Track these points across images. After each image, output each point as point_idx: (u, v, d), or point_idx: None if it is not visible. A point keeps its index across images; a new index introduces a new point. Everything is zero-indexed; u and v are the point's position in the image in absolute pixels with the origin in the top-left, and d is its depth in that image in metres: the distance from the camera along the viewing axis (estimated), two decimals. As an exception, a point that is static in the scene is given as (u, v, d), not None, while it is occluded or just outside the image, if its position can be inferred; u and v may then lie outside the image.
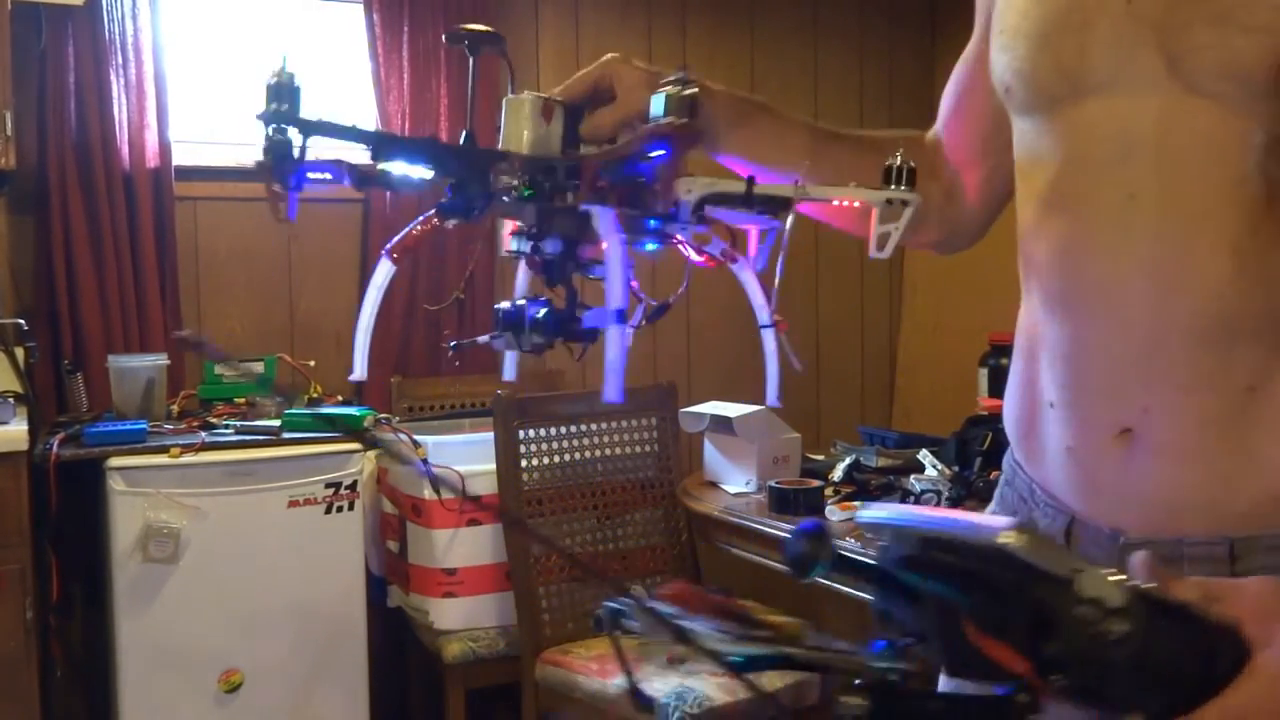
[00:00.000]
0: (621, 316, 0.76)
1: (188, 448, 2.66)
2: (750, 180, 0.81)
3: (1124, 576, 0.60)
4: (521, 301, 0.81)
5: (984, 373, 2.77)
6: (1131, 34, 0.77)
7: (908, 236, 0.83)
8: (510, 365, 0.88)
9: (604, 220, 0.77)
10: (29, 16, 2.94)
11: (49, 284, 3.03)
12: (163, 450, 2.65)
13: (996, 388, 2.66)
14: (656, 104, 0.83)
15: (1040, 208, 0.86)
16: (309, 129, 0.72)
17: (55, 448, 2.60)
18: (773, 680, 2.41)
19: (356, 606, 2.85)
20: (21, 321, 2.90)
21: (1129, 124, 0.78)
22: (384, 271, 0.82)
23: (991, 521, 0.62)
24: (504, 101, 0.83)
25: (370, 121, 3.35)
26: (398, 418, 3.08)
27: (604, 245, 0.77)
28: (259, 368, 3.10)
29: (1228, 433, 0.78)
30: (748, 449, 2.68)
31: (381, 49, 3.33)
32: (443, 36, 0.90)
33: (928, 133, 1.07)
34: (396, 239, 0.84)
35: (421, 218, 0.83)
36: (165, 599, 2.65)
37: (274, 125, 0.71)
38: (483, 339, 0.84)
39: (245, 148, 3.37)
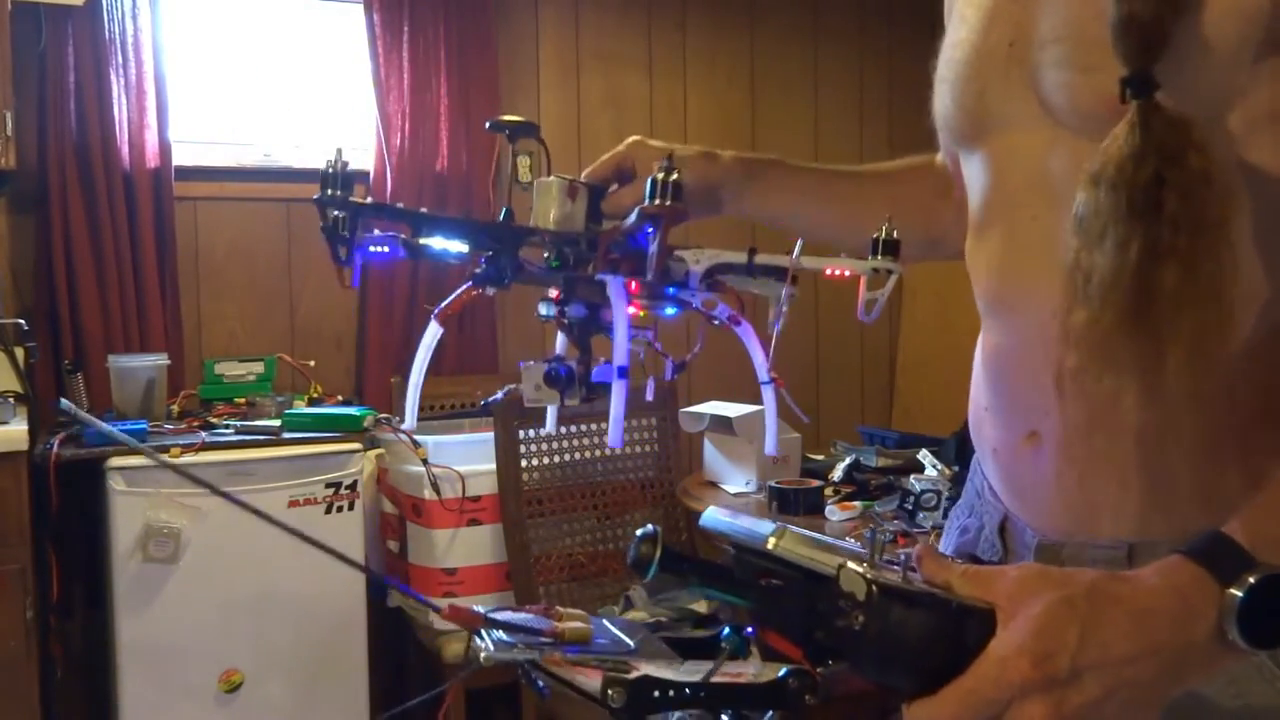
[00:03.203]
0: (624, 373, 0.87)
1: (188, 448, 2.66)
2: (751, 250, 0.93)
3: (866, 570, 0.66)
4: (570, 363, 0.93)
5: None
6: (1014, 78, 0.85)
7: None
8: (552, 419, 1.04)
9: (612, 287, 0.87)
10: (29, 16, 2.95)
11: (49, 284, 3.03)
12: (163, 450, 2.65)
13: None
14: (648, 188, 0.89)
15: (975, 228, 0.95)
16: (359, 211, 0.83)
17: (55, 448, 2.60)
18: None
19: (356, 606, 2.85)
20: (21, 321, 2.90)
21: (1023, 157, 0.86)
22: (432, 333, 0.93)
23: (760, 526, 0.69)
24: (535, 183, 0.94)
25: (370, 123, 3.35)
26: (398, 418, 3.08)
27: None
28: (260, 366, 3.10)
29: (1124, 441, 0.81)
30: (748, 449, 2.68)
31: (381, 49, 3.33)
32: (486, 125, 1.02)
33: (937, 155, 1.13)
34: (444, 304, 0.94)
35: (465, 285, 0.93)
36: (165, 599, 2.65)
37: (330, 208, 0.82)
38: (523, 393, 0.94)
39: (245, 148, 3.37)
